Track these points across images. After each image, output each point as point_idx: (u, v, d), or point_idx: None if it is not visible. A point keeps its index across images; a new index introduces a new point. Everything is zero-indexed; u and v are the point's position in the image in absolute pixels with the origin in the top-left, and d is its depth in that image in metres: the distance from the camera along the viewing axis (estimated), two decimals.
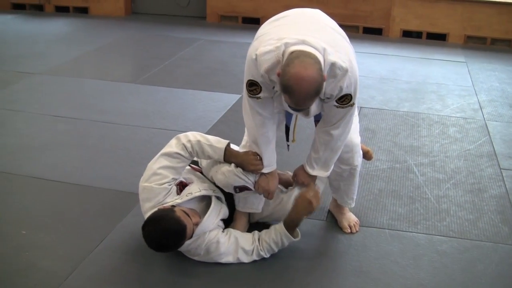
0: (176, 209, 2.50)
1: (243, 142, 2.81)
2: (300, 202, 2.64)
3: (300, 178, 2.80)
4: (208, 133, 3.98)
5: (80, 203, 3.17)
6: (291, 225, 2.66)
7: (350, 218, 3.03)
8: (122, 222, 2.95)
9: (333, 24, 2.59)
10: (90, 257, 2.69)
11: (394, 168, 3.68)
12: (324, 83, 2.35)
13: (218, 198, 2.75)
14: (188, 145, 2.66)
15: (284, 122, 2.80)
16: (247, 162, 2.64)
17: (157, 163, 2.66)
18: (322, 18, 2.59)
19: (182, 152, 2.65)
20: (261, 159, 2.66)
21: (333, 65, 2.35)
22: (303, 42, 2.32)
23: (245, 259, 2.66)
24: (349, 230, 2.99)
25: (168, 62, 5.80)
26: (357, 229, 3.00)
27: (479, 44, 6.86)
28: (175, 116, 4.42)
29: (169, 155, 2.66)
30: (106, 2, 7.79)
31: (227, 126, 4.21)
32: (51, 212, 3.08)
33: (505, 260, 2.80)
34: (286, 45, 2.33)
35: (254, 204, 2.85)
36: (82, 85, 5.09)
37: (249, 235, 2.73)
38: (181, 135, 2.72)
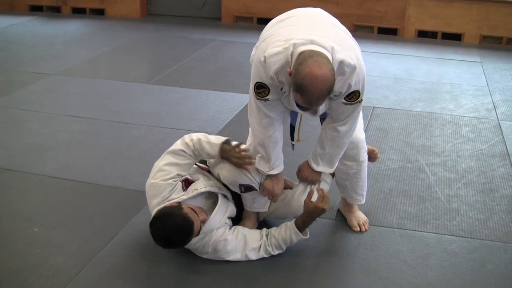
0: (183, 206, 2.53)
1: (247, 143, 2.83)
2: (312, 209, 2.64)
3: (305, 173, 2.81)
4: (220, 132, 4.05)
5: (93, 201, 3.21)
6: (302, 226, 2.68)
7: (359, 216, 3.04)
8: (132, 220, 2.99)
9: (336, 22, 2.61)
10: (101, 254, 2.74)
11: (405, 167, 3.68)
12: None
13: (224, 196, 2.77)
14: (190, 143, 2.71)
15: (289, 122, 2.81)
16: (231, 154, 2.67)
17: (162, 161, 2.72)
18: (326, 17, 2.61)
19: (185, 149, 2.70)
20: (250, 156, 2.68)
21: (341, 63, 2.37)
22: (312, 42, 2.34)
23: (253, 255, 2.69)
24: (358, 229, 3.00)
25: (182, 62, 5.84)
26: (366, 228, 3.01)
27: (494, 44, 6.82)
28: (188, 116, 4.45)
29: (173, 152, 2.71)
30: (122, 3, 7.85)
31: (239, 126, 4.23)
32: (64, 210, 3.13)
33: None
34: (295, 45, 2.35)
35: (261, 204, 2.87)
36: (97, 86, 5.15)
37: (256, 231, 2.76)
38: (186, 135, 2.77)
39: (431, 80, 5.46)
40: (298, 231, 2.66)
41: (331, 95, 2.47)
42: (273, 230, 2.74)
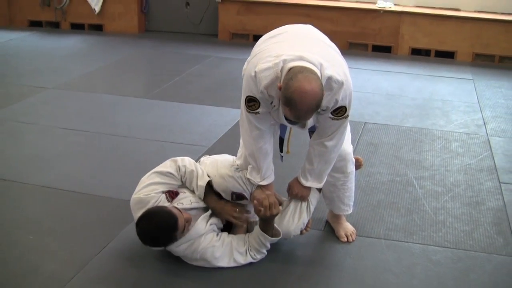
0: (167, 205, 2.62)
1: (238, 154, 2.91)
2: (264, 217, 2.72)
3: (294, 190, 2.88)
4: (214, 146, 4.13)
5: (87, 211, 3.29)
6: (265, 230, 2.76)
7: (347, 227, 3.11)
8: (125, 229, 3.05)
9: (326, 39, 2.70)
10: (93, 262, 2.80)
11: (394, 181, 3.76)
12: None
13: (207, 208, 2.86)
14: (183, 169, 2.83)
15: (278, 134, 2.90)
16: (226, 212, 2.82)
17: (149, 179, 2.83)
18: (317, 34, 2.70)
19: (175, 173, 2.83)
20: (240, 211, 2.83)
21: (329, 78, 2.45)
22: (301, 58, 2.43)
23: (241, 259, 2.76)
24: (346, 239, 3.06)
25: (178, 78, 5.94)
26: (354, 239, 3.08)
27: (487, 61, 6.93)
28: (183, 129, 4.54)
29: (161, 173, 2.83)
30: (121, 19, 7.96)
31: (233, 139, 4.28)
32: (58, 219, 3.21)
33: (498, 270, 2.87)
34: (284, 61, 2.44)
35: (252, 213, 2.94)
36: (94, 100, 5.23)
37: (241, 237, 2.83)
38: (179, 158, 2.88)
39: (423, 96, 5.55)
40: (265, 234, 2.74)
41: (319, 110, 2.55)
42: (249, 235, 2.82)
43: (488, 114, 5.12)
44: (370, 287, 2.70)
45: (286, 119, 2.57)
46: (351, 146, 2.97)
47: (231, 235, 2.84)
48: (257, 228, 2.79)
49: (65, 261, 2.82)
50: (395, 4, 7.19)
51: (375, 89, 5.72)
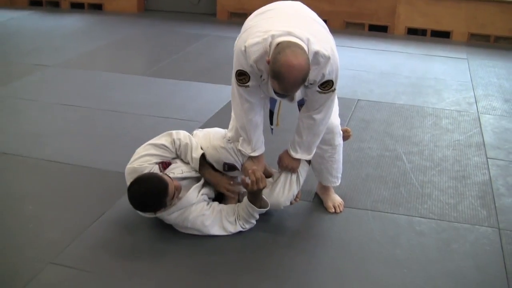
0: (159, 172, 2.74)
1: (229, 127, 3.02)
2: (252, 190, 2.81)
3: (284, 162, 2.99)
4: (209, 120, 4.24)
5: (85, 183, 3.40)
6: (253, 202, 2.86)
7: (334, 199, 3.22)
8: (120, 199, 3.16)
9: (314, 15, 2.79)
10: (90, 229, 2.93)
11: (383, 155, 3.87)
12: None
13: (199, 178, 2.97)
14: (178, 142, 2.95)
15: (268, 107, 3.00)
16: (221, 184, 2.94)
17: (144, 150, 2.96)
18: (305, 10, 2.79)
19: (169, 146, 2.95)
20: (234, 184, 2.96)
21: (316, 53, 2.55)
22: (289, 34, 2.53)
23: (231, 228, 2.88)
24: (333, 210, 3.18)
25: (176, 56, 6.03)
26: (341, 210, 3.19)
27: (482, 42, 6.99)
28: (179, 106, 4.64)
29: (156, 145, 2.95)
30: None
31: (228, 115, 4.36)
32: (57, 190, 3.33)
33: (479, 240, 2.97)
34: (273, 36, 2.53)
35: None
36: (93, 77, 5.33)
37: (231, 206, 2.95)
38: (174, 132, 3.00)
39: (417, 75, 5.63)
40: (253, 205, 2.85)
41: (306, 84, 2.65)
42: (239, 206, 2.94)
43: (480, 92, 5.21)
44: (354, 255, 2.82)
45: (275, 92, 2.67)
46: (339, 119, 3.07)
47: (221, 205, 2.95)
48: (245, 199, 2.90)
49: (63, 229, 2.94)
50: None
51: (370, 68, 5.80)
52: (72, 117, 4.37)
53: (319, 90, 2.70)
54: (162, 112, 4.48)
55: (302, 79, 2.46)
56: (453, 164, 3.79)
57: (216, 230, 2.86)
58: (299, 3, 2.88)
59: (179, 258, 2.75)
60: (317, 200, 3.29)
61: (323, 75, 2.62)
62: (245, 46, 2.58)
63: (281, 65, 2.41)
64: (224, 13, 7.81)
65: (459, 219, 3.15)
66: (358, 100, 4.87)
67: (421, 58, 6.26)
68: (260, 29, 2.60)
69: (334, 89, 2.73)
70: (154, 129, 4.04)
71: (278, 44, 2.48)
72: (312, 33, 2.59)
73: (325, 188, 3.24)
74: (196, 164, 2.92)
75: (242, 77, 2.67)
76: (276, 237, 2.93)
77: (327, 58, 2.58)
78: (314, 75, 2.61)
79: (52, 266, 2.66)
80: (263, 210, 2.91)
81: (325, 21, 7.09)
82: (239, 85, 2.71)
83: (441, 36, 7.12)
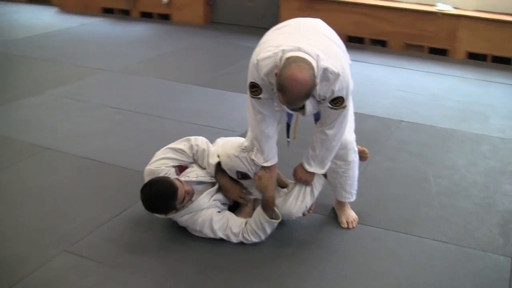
0: (171, 177, 2.88)
1: (247, 136, 3.12)
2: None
3: (299, 174, 3.07)
4: (246, 132, 4.34)
5: (113, 181, 3.59)
6: (265, 206, 2.96)
7: (349, 214, 3.26)
8: None
9: (329, 33, 2.85)
10: (107, 224, 3.11)
11: (411, 176, 3.86)
12: (318, 86, 2.64)
13: (214, 184, 3.07)
14: (195, 148, 3.08)
15: (286, 120, 3.08)
16: (234, 192, 3.06)
17: (162, 153, 3.11)
18: (320, 27, 2.86)
19: (187, 151, 3.09)
20: (247, 192, 3.07)
21: (325, 70, 2.62)
22: (299, 49, 2.61)
23: (233, 239, 2.98)
24: (346, 226, 3.22)
25: (230, 68, 6.19)
26: (354, 226, 3.22)
27: None
28: (221, 116, 4.78)
29: (174, 149, 3.09)
30: (187, 10, 8.30)
31: None
32: (84, 186, 3.54)
33: (488, 267, 2.93)
34: (283, 51, 2.62)
35: (257, 193, 3.14)
36: (146, 83, 5.57)
37: (239, 219, 3.03)
38: (192, 138, 3.16)
39: (467, 100, 5.55)
40: (264, 214, 2.94)
41: (318, 99, 2.73)
42: (250, 219, 3.02)
43: None
44: (355, 270, 2.85)
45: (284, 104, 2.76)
46: (354, 136, 3.11)
47: (232, 215, 3.04)
48: (259, 209, 2.99)
49: (83, 221, 3.13)
50: (454, 8, 7.16)
51: (422, 90, 5.75)
52: (116, 119, 4.59)
53: (330, 106, 2.76)
54: (204, 120, 4.63)
55: (305, 93, 2.54)
56: (481, 190, 3.73)
57: (220, 236, 2.96)
58: (317, 20, 2.95)
59: (183, 258, 2.87)
60: (333, 215, 3.33)
61: (333, 92, 2.68)
62: (257, 60, 2.68)
63: (285, 78, 2.50)
64: None
65: (472, 245, 3.12)
66: (401, 121, 4.86)
67: (477, 83, 6.15)
68: (273, 44, 2.69)
69: (345, 106, 2.78)
70: (191, 135, 4.20)
71: (287, 58, 2.57)
72: (322, 49, 2.66)
73: (341, 204, 3.28)
74: (212, 170, 3.04)
75: (254, 89, 2.76)
76: (282, 246, 3.01)
77: (337, 75, 2.64)
78: (324, 91, 2.68)
79: (65, 254, 2.85)
80: (274, 222, 2.98)
81: (384, 42, 7.16)
82: (251, 97, 2.81)
83: (502, 62, 6.97)
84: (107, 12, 8.69)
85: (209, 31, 7.93)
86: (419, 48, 7.29)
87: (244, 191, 3.09)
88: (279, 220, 2.99)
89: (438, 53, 7.24)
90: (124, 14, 8.63)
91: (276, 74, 2.58)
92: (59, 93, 5.15)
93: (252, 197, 3.13)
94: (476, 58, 7.12)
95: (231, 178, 3.12)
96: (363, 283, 2.76)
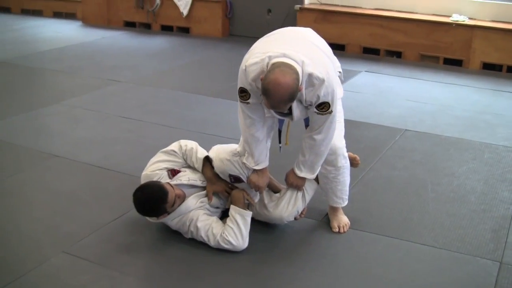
0: (162, 181, 3.00)
1: (239, 142, 3.22)
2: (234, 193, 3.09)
3: (290, 179, 3.16)
4: None
5: (117, 187, 3.72)
6: (234, 201, 3.11)
7: (341, 219, 3.33)
8: None
9: (317, 41, 2.96)
10: (108, 226, 3.26)
11: (409, 183, 3.91)
12: (304, 92, 2.74)
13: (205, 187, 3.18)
14: (184, 148, 3.22)
15: (277, 126, 3.18)
16: (220, 184, 3.16)
17: (156, 158, 3.26)
18: (308, 36, 2.97)
19: (177, 151, 3.20)
20: (232, 186, 3.15)
21: (310, 75, 2.72)
22: (284, 55, 2.72)
23: (212, 239, 3.04)
24: (337, 230, 3.29)
25: None
26: (345, 230, 3.29)
27: None
28: (228, 125, 4.89)
29: (165, 151, 3.23)
30: (206, 23, 8.47)
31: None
32: (89, 190, 3.69)
33: (475, 271, 2.97)
34: (270, 57, 2.74)
35: (252, 196, 3.24)
36: (158, 94, 5.73)
37: (223, 225, 3.10)
38: (182, 140, 3.29)
39: (476, 109, 5.57)
40: (236, 206, 3.06)
41: (305, 104, 2.82)
42: (227, 219, 3.12)
43: None
44: (340, 271, 2.93)
45: (275, 111, 2.86)
46: (343, 142, 3.19)
47: (219, 221, 3.13)
48: (231, 205, 3.11)
49: (84, 223, 3.28)
50: (469, 18, 7.18)
51: (431, 100, 5.78)
52: (126, 128, 4.75)
53: (316, 111, 2.86)
54: (211, 130, 4.76)
55: (288, 97, 2.64)
56: (478, 197, 3.77)
57: (202, 235, 3.05)
58: (307, 29, 3.07)
59: (175, 259, 2.99)
60: (326, 220, 3.41)
61: (318, 97, 2.78)
62: (245, 66, 2.80)
63: (269, 83, 2.61)
64: None
65: (462, 250, 3.16)
66: (405, 130, 4.91)
67: (489, 93, 6.16)
68: (260, 51, 2.81)
69: (331, 111, 2.87)
70: (200, 145, 4.32)
71: (273, 64, 2.68)
72: (308, 56, 2.76)
73: (333, 209, 3.36)
74: (199, 164, 3.14)
75: (243, 94, 2.88)
76: (272, 249, 3.10)
77: (322, 81, 2.74)
78: (310, 97, 2.78)
79: (63, 254, 2.99)
80: (244, 214, 3.05)
81: (400, 53, 7.20)
82: (241, 102, 2.92)
83: None
84: (129, 25, 8.91)
85: (227, 44, 8.08)
86: (434, 59, 7.33)
87: (229, 185, 3.16)
88: (250, 213, 3.09)
89: (453, 64, 7.25)
90: (145, 27, 8.85)
91: (261, 79, 2.69)
92: (73, 104, 5.34)
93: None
94: (491, 69, 7.12)
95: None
96: (348, 284, 2.83)
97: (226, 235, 3.01)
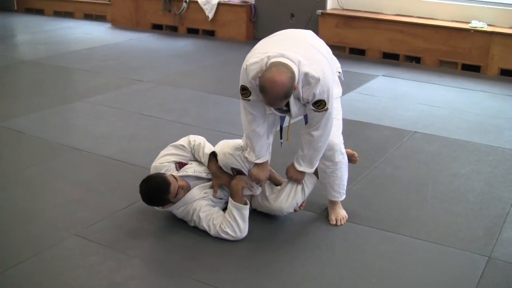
0: (167, 174, 3.21)
1: (243, 138, 3.41)
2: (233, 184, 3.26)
3: (290, 173, 3.35)
4: None
5: (131, 179, 3.92)
6: (233, 194, 3.26)
7: (339, 213, 3.49)
8: None
9: (316, 43, 3.14)
10: (119, 213, 3.50)
11: (411, 182, 4.05)
12: (301, 90, 2.93)
13: (211, 179, 3.38)
14: (192, 143, 3.43)
15: (279, 123, 3.37)
16: (223, 177, 3.35)
17: (165, 151, 3.48)
18: (307, 37, 3.15)
19: (186, 145, 3.42)
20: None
21: (306, 74, 2.91)
22: (282, 55, 2.91)
23: (212, 229, 3.23)
24: (334, 223, 3.45)
25: None
26: (342, 223, 3.45)
27: None
28: (241, 124, 5.06)
29: (175, 146, 3.45)
30: (231, 26, 8.69)
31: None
32: (104, 181, 3.93)
33: (463, 265, 3.10)
34: (269, 57, 2.93)
35: (253, 189, 3.43)
36: (178, 94, 5.96)
37: (222, 215, 3.28)
38: (191, 135, 3.52)
39: (487, 114, 5.66)
40: (232, 200, 3.23)
41: (302, 102, 3.01)
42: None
43: None
44: (333, 260, 3.10)
45: (274, 108, 3.05)
46: (341, 138, 3.35)
47: (220, 211, 3.32)
48: (230, 198, 3.28)
49: (97, 210, 3.52)
50: (488, 25, 7.26)
51: (444, 104, 5.89)
52: (144, 125, 4.99)
53: (313, 108, 3.04)
54: (225, 128, 4.96)
55: (283, 94, 2.83)
56: (477, 196, 3.89)
57: (203, 224, 3.25)
58: (307, 31, 3.26)
59: (178, 245, 3.20)
60: (325, 214, 3.58)
61: (314, 95, 2.96)
62: (246, 65, 3.00)
63: (265, 80, 2.81)
64: None
65: (453, 245, 3.28)
66: (415, 132, 5.04)
67: (503, 98, 6.24)
68: (261, 51, 3.00)
69: (327, 109, 3.04)
70: (211, 142, 4.51)
71: (271, 63, 2.87)
72: (305, 56, 2.95)
73: (332, 203, 3.52)
74: (206, 159, 3.34)
75: (244, 91, 3.07)
76: (270, 238, 3.29)
77: (317, 80, 2.92)
78: (306, 95, 2.97)
79: (75, 237, 3.22)
80: (241, 208, 3.21)
81: (419, 58, 7.28)
82: (242, 99, 3.11)
83: None
84: (156, 28, 9.18)
85: (250, 47, 8.00)
86: (452, 65, 7.42)
87: (233, 179, 3.35)
88: (247, 207, 3.25)
89: (471, 70, 7.34)
90: (171, 30, 9.11)
91: (259, 77, 2.88)
92: (96, 101, 5.61)
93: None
94: (509, 75, 7.17)
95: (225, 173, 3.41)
96: (339, 272, 3.00)
97: (224, 226, 3.20)
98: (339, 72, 3.39)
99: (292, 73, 2.85)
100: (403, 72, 7.07)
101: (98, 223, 3.36)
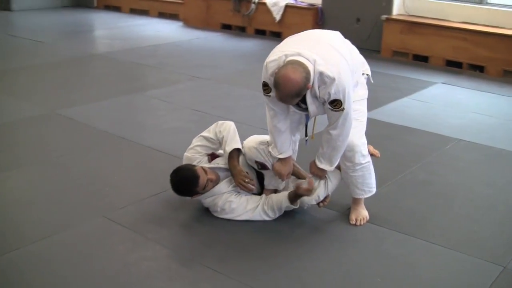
0: (197, 166, 3.36)
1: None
2: (300, 191, 3.36)
3: (312, 169, 3.45)
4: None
5: (164, 167, 4.01)
6: (292, 199, 3.40)
7: (360, 212, 3.55)
8: None
9: (336, 43, 3.20)
10: (146, 200, 3.69)
11: (442, 188, 4.03)
12: (318, 89, 3.03)
13: None
14: (220, 135, 3.56)
15: (305, 121, 3.47)
16: (237, 178, 3.45)
17: (197, 141, 3.64)
18: (329, 38, 3.24)
19: (214, 138, 3.55)
20: (249, 182, 3.45)
21: (321, 74, 3.01)
22: (299, 54, 3.03)
23: (250, 214, 3.42)
24: (354, 223, 3.51)
25: None
26: (362, 223, 3.50)
27: None
28: None
29: (205, 138, 3.60)
30: (297, 28, 8.65)
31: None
32: (140, 170, 4.16)
33: (475, 273, 3.08)
34: (286, 55, 3.06)
35: (278, 182, 3.59)
36: (231, 91, 6.15)
37: (258, 196, 3.48)
38: (220, 122, 3.62)
39: None
40: (287, 199, 3.38)
41: (321, 102, 3.11)
42: (273, 195, 3.47)
43: None
44: (343, 261, 3.15)
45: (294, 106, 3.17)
46: (362, 140, 3.40)
47: (249, 195, 3.48)
48: (285, 193, 3.44)
49: (126, 196, 3.73)
50: None
51: (498, 114, 5.72)
52: (191, 119, 5.19)
53: (330, 108, 3.13)
54: (261, 123, 5.04)
55: (295, 92, 2.94)
56: (507, 207, 3.81)
57: (238, 215, 3.42)
58: (332, 32, 3.34)
59: (196, 233, 3.36)
60: (347, 213, 3.63)
61: (330, 94, 3.05)
62: (266, 62, 3.13)
63: (280, 77, 2.93)
64: (388, 51, 8.16)
65: (470, 252, 3.25)
66: (459, 140, 4.98)
67: None
68: (280, 49, 3.13)
69: (343, 109, 3.11)
70: (244, 137, 4.65)
71: (287, 61, 2.99)
72: (321, 56, 3.04)
73: (355, 201, 3.57)
74: (226, 156, 3.48)
75: (265, 88, 3.20)
76: (288, 231, 3.40)
77: (332, 79, 3.01)
78: (323, 94, 3.06)
79: (102, 218, 3.45)
80: (290, 207, 3.41)
81: (482, 67, 7.14)
82: (264, 95, 3.24)
83: None
84: (225, 28, 9.42)
85: None
86: None
87: (247, 180, 3.47)
88: (296, 207, 3.43)
89: None
90: (240, 30, 9.32)
91: (275, 74, 3.00)
92: (152, 94, 5.87)
93: (254, 187, 3.51)
94: None
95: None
96: (345, 269, 3.08)
97: (267, 207, 3.42)
98: (367, 75, 3.45)
99: (307, 73, 2.95)
100: (464, 80, 6.96)
101: (126, 208, 3.57)
